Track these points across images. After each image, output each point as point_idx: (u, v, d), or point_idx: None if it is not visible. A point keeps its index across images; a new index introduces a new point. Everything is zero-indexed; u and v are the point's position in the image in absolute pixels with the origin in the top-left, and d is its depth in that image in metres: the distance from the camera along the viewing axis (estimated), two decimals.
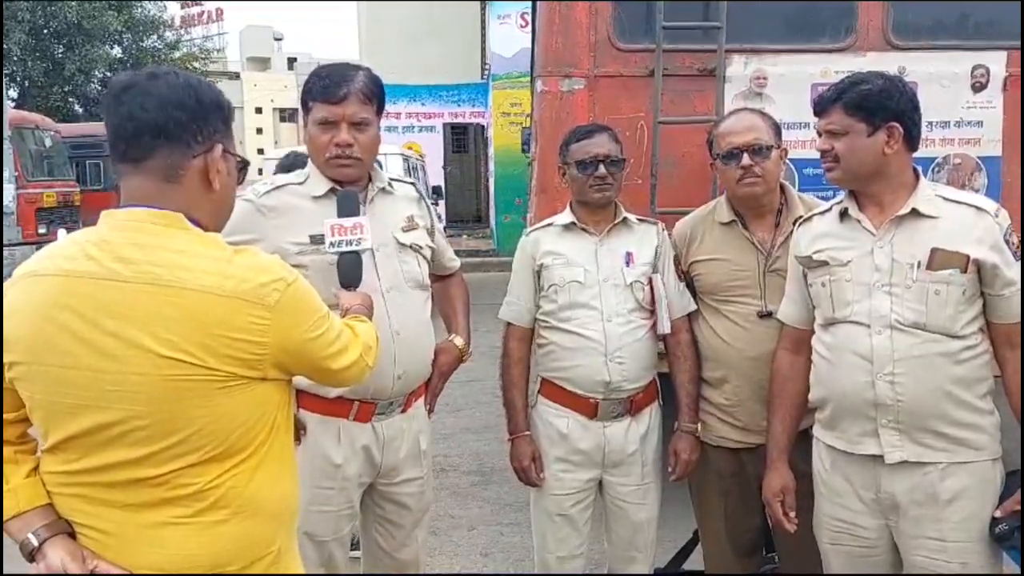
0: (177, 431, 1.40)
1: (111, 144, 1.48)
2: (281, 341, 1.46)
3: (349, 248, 2.13)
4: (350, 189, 2.26)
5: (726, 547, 2.67)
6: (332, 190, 2.30)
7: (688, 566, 3.02)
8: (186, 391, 1.39)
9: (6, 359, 1.42)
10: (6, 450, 1.49)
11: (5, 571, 1.48)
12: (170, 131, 1.45)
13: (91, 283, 1.39)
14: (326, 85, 2.25)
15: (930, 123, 3.65)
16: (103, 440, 1.40)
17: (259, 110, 55.62)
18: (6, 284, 1.47)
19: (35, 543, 1.43)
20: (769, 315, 2.45)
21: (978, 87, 3.63)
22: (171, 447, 1.41)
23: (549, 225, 2.67)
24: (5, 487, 1.46)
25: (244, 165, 1.62)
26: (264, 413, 1.50)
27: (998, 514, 2.02)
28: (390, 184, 2.45)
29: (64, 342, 1.39)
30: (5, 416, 1.48)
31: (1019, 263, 2.04)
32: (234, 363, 1.42)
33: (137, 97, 1.44)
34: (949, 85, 3.61)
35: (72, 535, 1.46)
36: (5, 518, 1.46)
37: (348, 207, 2.18)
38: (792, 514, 2.31)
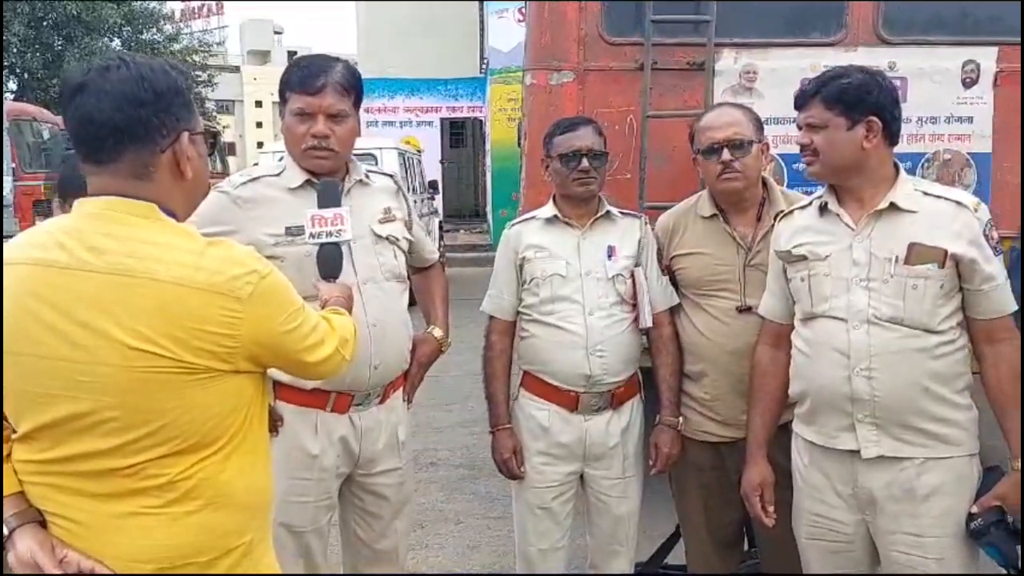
0: (147, 423, 1.39)
1: (74, 145, 1.45)
2: (254, 334, 1.45)
3: (329, 239, 2.10)
4: (330, 179, 2.24)
5: (706, 540, 2.67)
6: (308, 182, 2.29)
7: (671, 560, 3.02)
8: (156, 383, 1.38)
9: None
10: None
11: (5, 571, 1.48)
12: (133, 131, 1.42)
13: (62, 273, 1.38)
14: (304, 76, 2.25)
15: (920, 119, 3.65)
16: (74, 430, 1.39)
17: (259, 104, 55.54)
18: None
19: (5, 532, 1.43)
20: (748, 309, 2.45)
21: (969, 83, 3.62)
22: (141, 439, 1.40)
23: (532, 218, 2.67)
24: None
25: (214, 136, 1.61)
26: (237, 405, 1.49)
27: (974, 510, 2.01)
28: (367, 176, 2.44)
29: (36, 331, 1.38)
30: None
31: (999, 258, 2.03)
32: (206, 356, 1.40)
33: (91, 98, 1.40)
34: (940, 80, 3.60)
35: (43, 524, 1.45)
36: None
37: (329, 198, 2.15)
38: (771, 508, 2.31)
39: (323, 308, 1.89)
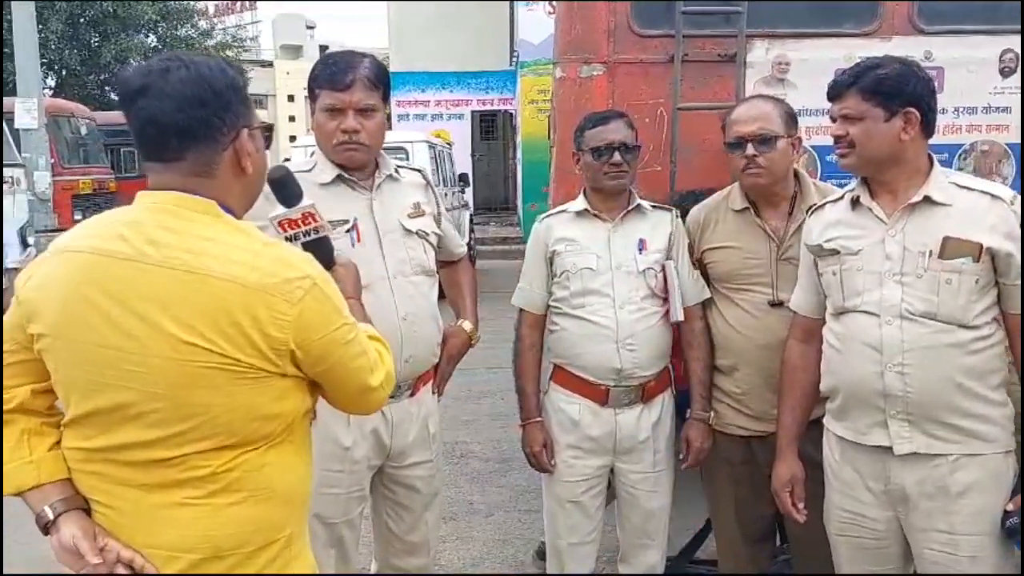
0: (191, 417, 1.40)
1: (136, 145, 1.48)
2: (301, 339, 1.44)
3: (308, 238, 1.84)
4: (279, 166, 1.92)
5: (737, 535, 2.66)
6: (339, 176, 2.32)
7: (702, 553, 3.01)
8: (203, 377, 1.39)
9: (34, 330, 1.43)
10: (33, 421, 1.51)
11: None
12: (196, 132, 1.44)
13: (121, 263, 1.40)
14: (332, 72, 2.26)
15: (957, 109, 3.59)
16: (120, 419, 1.41)
17: (291, 98, 55.90)
18: (41, 256, 1.50)
19: (51, 516, 1.45)
20: (780, 304, 2.43)
21: (1007, 72, 3.55)
22: (185, 432, 1.40)
23: (562, 211, 2.67)
24: (29, 457, 1.48)
25: (268, 129, 1.62)
26: (282, 410, 1.48)
27: (1010, 507, 1.99)
28: (397, 171, 2.46)
29: (91, 319, 1.40)
30: (34, 386, 1.50)
31: None
32: (254, 355, 1.41)
33: (153, 100, 1.42)
34: (976, 70, 3.53)
35: (88, 512, 1.47)
36: (27, 487, 1.47)
37: (287, 193, 1.81)
38: (800, 505, 2.29)
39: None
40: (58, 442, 1.50)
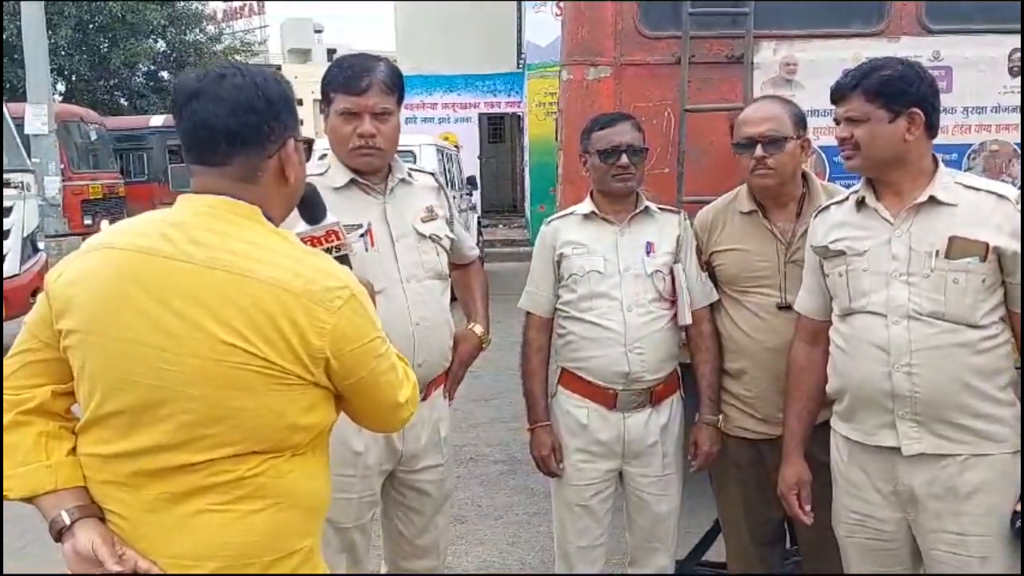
0: (222, 420, 1.39)
1: (185, 148, 1.50)
2: (338, 348, 1.45)
3: (331, 256, 1.82)
4: (308, 184, 1.89)
5: (746, 537, 2.65)
6: (352, 181, 2.33)
7: (710, 555, 3.01)
8: (239, 379, 1.39)
9: (63, 326, 1.43)
10: (51, 424, 1.49)
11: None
12: (246, 137, 1.46)
13: (164, 262, 1.40)
14: (348, 76, 2.27)
15: (966, 109, 3.58)
16: (148, 420, 1.40)
17: (300, 102, 56.09)
18: (74, 254, 1.50)
19: (67, 521, 1.43)
20: (788, 307, 2.42)
21: (1016, 71, 3.54)
22: (215, 435, 1.40)
23: (570, 214, 2.67)
24: (47, 461, 1.46)
25: (309, 143, 1.64)
26: (311, 423, 1.48)
27: (1020, 508, 1.98)
28: (410, 174, 2.47)
29: (128, 315, 1.39)
30: (56, 387, 1.49)
31: None
32: (292, 360, 1.41)
33: (208, 104, 1.45)
34: (985, 70, 3.53)
35: (103, 520, 1.45)
36: (43, 491, 1.45)
37: (314, 210, 1.82)
38: (808, 507, 2.29)
39: None
40: (74, 448, 1.48)
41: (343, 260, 1.84)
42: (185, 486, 1.41)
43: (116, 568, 1.40)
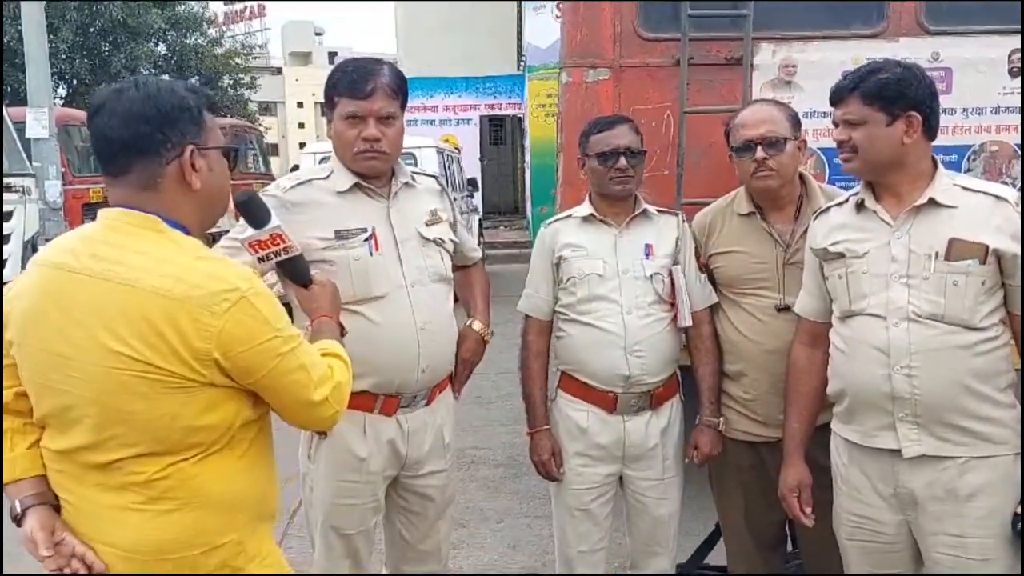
0: (119, 423, 1.50)
1: (96, 159, 1.61)
2: (226, 349, 1.50)
3: (280, 258, 1.90)
4: (246, 192, 1.96)
5: (747, 540, 2.65)
6: (356, 185, 2.33)
7: (712, 559, 3.00)
8: (128, 385, 1.48)
9: (8, 336, 1.58)
10: (16, 421, 1.62)
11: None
12: (140, 146, 1.55)
13: (69, 276, 1.52)
14: (353, 80, 2.26)
15: (966, 110, 3.58)
16: (69, 422, 1.53)
17: (300, 104, 56.12)
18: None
19: (19, 509, 1.58)
20: (787, 308, 2.42)
21: (1016, 72, 3.53)
22: (115, 437, 1.51)
23: (568, 217, 2.66)
24: (8, 455, 1.60)
25: (227, 153, 1.68)
26: (212, 422, 1.54)
27: (1020, 510, 1.97)
28: (413, 178, 2.46)
29: (44, 328, 1.52)
30: (17, 388, 1.60)
31: None
32: (177, 363, 1.48)
33: (105, 116, 1.55)
34: (985, 71, 3.52)
35: (57, 508, 1.59)
36: (4, 482, 1.60)
37: (252, 216, 1.87)
38: (808, 509, 2.29)
39: (313, 319, 1.93)
40: (38, 441, 1.61)
41: (294, 261, 1.92)
42: (108, 481, 1.54)
43: (47, 553, 1.54)
